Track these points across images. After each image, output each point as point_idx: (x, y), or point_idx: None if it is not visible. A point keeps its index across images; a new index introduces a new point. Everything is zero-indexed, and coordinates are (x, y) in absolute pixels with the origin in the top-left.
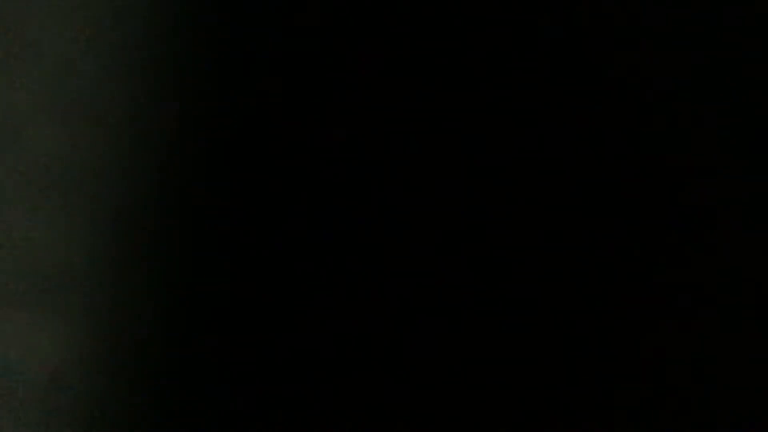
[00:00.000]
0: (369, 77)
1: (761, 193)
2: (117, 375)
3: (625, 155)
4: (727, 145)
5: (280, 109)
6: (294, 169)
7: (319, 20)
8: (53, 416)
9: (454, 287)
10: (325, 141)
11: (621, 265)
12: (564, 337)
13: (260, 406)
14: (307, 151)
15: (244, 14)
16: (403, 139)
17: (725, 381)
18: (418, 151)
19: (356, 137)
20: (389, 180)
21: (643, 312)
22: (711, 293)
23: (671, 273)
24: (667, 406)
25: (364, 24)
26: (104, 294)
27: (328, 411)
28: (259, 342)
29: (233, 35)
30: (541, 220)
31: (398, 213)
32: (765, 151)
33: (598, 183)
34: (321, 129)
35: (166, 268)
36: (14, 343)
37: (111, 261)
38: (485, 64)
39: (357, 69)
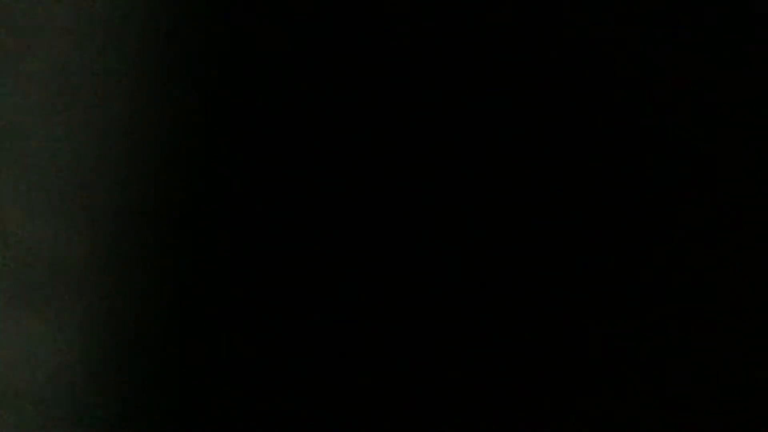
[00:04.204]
0: (369, 77)
1: (761, 192)
2: (116, 375)
3: (625, 156)
4: (727, 145)
5: (281, 109)
6: (294, 169)
7: (319, 20)
8: (52, 416)
9: (453, 287)
10: (324, 141)
11: (620, 266)
12: (564, 337)
13: (260, 406)
14: (306, 151)
15: (244, 14)
16: (402, 140)
17: (725, 381)
18: (418, 152)
19: (356, 137)
20: (389, 180)
21: (642, 312)
22: (711, 293)
23: (670, 273)
24: (666, 406)
25: (364, 24)
26: (103, 294)
27: (328, 411)
28: (259, 342)
29: (233, 35)
30: (541, 220)
31: (398, 213)
32: (765, 151)
33: (597, 183)
34: (320, 129)
35: (166, 268)
36: (13, 343)
37: (110, 261)
38: (486, 65)
39: (356, 69)
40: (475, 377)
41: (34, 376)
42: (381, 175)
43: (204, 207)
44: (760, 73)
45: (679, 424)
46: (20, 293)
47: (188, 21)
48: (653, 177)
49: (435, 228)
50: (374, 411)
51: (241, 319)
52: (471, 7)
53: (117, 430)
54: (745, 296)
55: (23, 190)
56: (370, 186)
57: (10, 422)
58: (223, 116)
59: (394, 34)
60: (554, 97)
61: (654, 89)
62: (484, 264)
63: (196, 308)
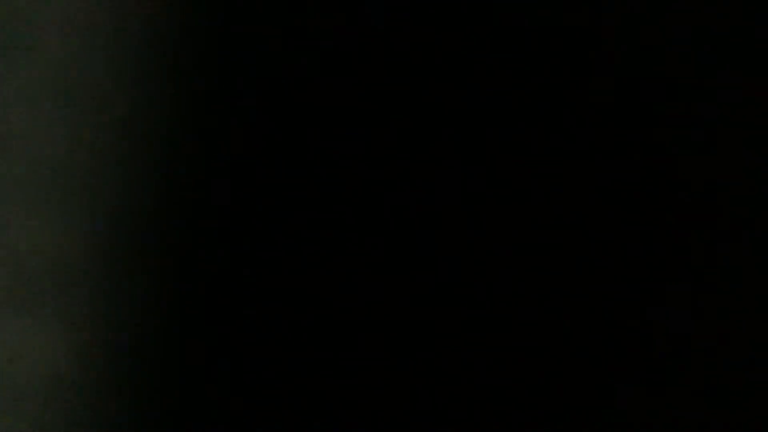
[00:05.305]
0: (369, 77)
1: (761, 193)
2: (116, 375)
3: (624, 155)
4: (727, 145)
5: (280, 109)
6: (293, 169)
7: (319, 21)
8: (52, 416)
9: (453, 287)
10: (324, 141)
11: (620, 266)
12: (564, 337)
13: (259, 406)
14: (306, 152)
15: (245, 14)
16: (402, 140)
17: (725, 381)
18: (418, 152)
19: (356, 138)
20: (389, 180)
21: (641, 312)
22: (711, 293)
23: (670, 273)
24: (666, 406)
25: (364, 24)
26: (103, 295)
27: (328, 411)
28: (258, 342)
29: (234, 35)
30: (541, 219)
31: (398, 213)
32: (765, 151)
33: (597, 183)
34: (320, 129)
35: (165, 268)
36: (13, 343)
37: (110, 262)
38: (486, 64)
39: (356, 69)
40: (475, 377)
41: (33, 376)
42: (381, 175)
43: (204, 207)
44: (760, 73)
45: (679, 424)
46: (19, 293)
47: (188, 21)
48: (653, 177)
49: (435, 228)
50: (374, 411)
51: (241, 319)
52: (471, 7)
53: (116, 430)
54: (745, 296)
55: (23, 190)
56: (370, 186)
57: (10, 422)
58: (224, 116)
59: (393, 34)
60: (554, 96)
61: (653, 89)
62: (485, 264)
63: (196, 308)
